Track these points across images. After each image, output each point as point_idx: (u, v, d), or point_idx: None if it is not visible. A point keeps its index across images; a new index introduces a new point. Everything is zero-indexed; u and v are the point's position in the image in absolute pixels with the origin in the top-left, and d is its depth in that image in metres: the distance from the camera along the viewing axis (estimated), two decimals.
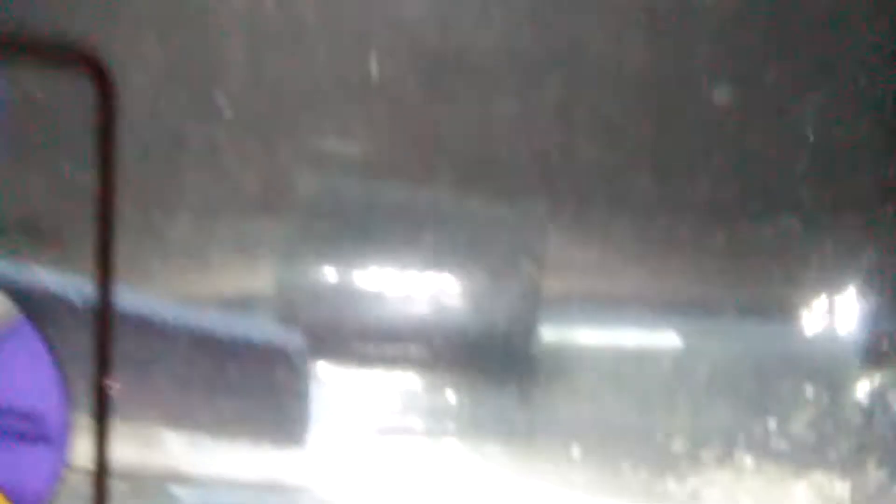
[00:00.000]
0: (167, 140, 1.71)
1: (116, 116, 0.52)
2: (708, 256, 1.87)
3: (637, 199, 1.88)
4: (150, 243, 1.62)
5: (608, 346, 1.85)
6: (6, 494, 0.56)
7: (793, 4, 1.57)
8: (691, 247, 1.86)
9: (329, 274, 1.76)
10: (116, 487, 1.16)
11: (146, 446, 1.25)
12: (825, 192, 1.79)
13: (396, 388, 1.68)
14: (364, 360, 1.71)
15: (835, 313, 1.81)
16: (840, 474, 1.49)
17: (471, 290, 1.81)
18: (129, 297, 1.26)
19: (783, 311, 1.83)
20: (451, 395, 1.67)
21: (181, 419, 1.27)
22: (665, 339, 1.87)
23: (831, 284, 1.81)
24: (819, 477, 1.48)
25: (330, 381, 1.64)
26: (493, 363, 1.74)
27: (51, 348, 0.58)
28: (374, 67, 1.81)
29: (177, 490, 1.28)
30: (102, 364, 0.57)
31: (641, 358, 1.81)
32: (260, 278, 1.75)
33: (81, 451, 0.57)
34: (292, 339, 1.40)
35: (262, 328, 1.43)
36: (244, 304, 1.68)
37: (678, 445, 1.53)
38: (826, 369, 1.73)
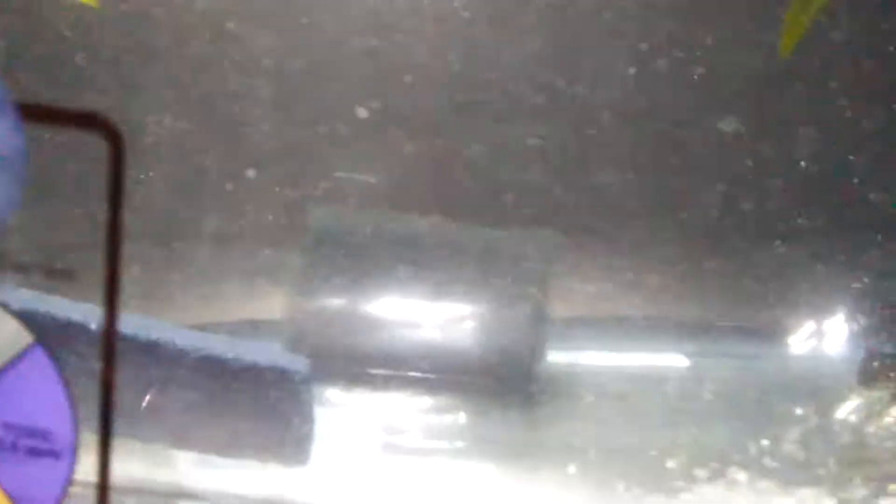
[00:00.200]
0: (185, 176, 1.79)
1: (125, 172, 0.58)
2: (706, 281, 1.92)
3: (639, 227, 1.93)
4: (167, 272, 1.70)
5: (610, 368, 1.90)
6: None
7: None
8: (690, 272, 1.91)
9: (338, 301, 1.82)
10: (126, 503, 1.22)
11: (155, 464, 1.32)
12: (818, 220, 1.84)
13: (403, 410, 1.73)
14: (372, 383, 1.76)
15: (827, 335, 1.86)
16: (828, 490, 1.53)
17: (478, 315, 1.86)
18: (143, 323, 1.33)
19: (778, 333, 1.88)
20: (455, 417, 1.73)
21: (190, 438, 1.34)
22: (665, 360, 1.91)
23: (824, 307, 1.86)
24: (806, 492, 1.52)
25: (338, 404, 1.69)
26: (498, 386, 1.79)
27: (60, 371, 0.62)
28: (383, 105, 1.87)
29: None
30: (107, 386, 0.63)
31: (642, 379, 1.86)
32: (270, 305, 1.81)
33: (87, 466, 0.62)
34: (297, 363, 1.46)
35: (269, 352, 1.49)
36: (254, 329, 1.75)
37: (673, 463, 1.57)
38: (818, 389, 1.78)
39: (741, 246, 1.90)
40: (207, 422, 1.33)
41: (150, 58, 1.75)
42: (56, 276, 0.63)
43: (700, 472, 1.55)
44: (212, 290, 1.79)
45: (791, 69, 1.78)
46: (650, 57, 1.88)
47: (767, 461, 1.59)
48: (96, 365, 0.61)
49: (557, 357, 1.89)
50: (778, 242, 1.84)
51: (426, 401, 1.75)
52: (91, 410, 0.61)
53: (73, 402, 0.62)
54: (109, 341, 0.64)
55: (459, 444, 1.65)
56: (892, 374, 1.77)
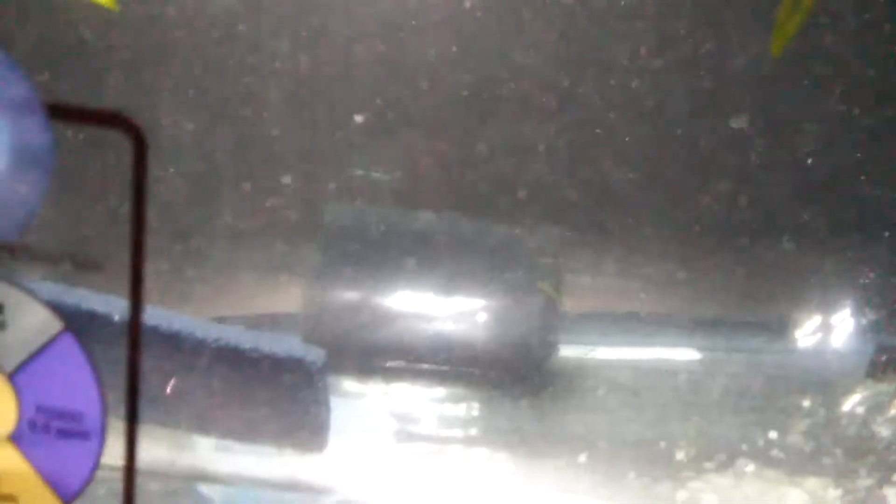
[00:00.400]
0: (204, 172, 1.81)
1: (148, 169, 0.61)
2: (715, 277, 1.93)
3: (649, 223, 1.95)
4: (188, 266, 1.72)
5: (621, 361, 1.92)
6: (48, 482, 0.65)
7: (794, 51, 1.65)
8: (699, 268, 1.92)
9: (352, 294, 1.84)
10: (149, 486, 1.25)
11: (178, 449, 1.35)
12: (826, 216, 1.86)
13: (416, 400, 1.76)
14: (386, 374, 1.79)
15: (834, 330, 1.88)
16: (835, 480, 1.55)
17: (490, 309, 1.88)
18: (166, 315, 1.36)
19: (786, 328, 1.90)
20: (468, 408, 1.75)
21: (210, 425, 1.37)
22: (675, 354, 1.93)
23: (831, 302, 1.88)
24: (814, 483, 1.54)
25: (353, 394, 1.72)
26: (509, 378, 1.81)
27: (89, 357, 0.65)
28: (398, 103, 1.89)
29: (206, 489, 1.38)
30: (133, 372, 0.65)
31: (652, 372, 1.88)
32: (286, 299, 1.83)
33: (113, 451, 0.63)
34: (314, 353, 1.49)
35: (286, 343, 1.51)
36: (271, 322, 1.77)
37: (682, 454, 1.59)
38: (825, 382, 1.80)
39: (750, 241, 1.92)
40: (227, 409, 1.36)
41: (168, 59, 1.78)
42: (83, 267, 0.66)
43: (709, 463, 1.57)
44: (229, 283, 1.81)
45: (797, 66, 1.79)
46: (659, 55, 1.90)
47: (775, 452, 1.61)
48: (120, 354, 0.64)
49: (569, 351, 1.91)
50: (786, 238, 1.86)
51: (439, 392, 1.77)
52: (114, 398, 0.63)
53: (101, 386, 0.64)
54: (135, 331, 0.66)
55: (471, 433, 1.67)
56: None
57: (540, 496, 1.50)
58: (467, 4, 1.87)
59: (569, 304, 1.93)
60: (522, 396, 1.79)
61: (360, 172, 1.89)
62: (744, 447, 1.61)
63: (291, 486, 1.38)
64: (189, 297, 1.70)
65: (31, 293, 0.64)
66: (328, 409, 1.44)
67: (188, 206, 1.77)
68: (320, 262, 1.84)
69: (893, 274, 1.86)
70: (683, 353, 1.93)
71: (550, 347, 1.88)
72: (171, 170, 1.70)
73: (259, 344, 1.42)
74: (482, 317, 1.87)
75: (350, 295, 1.84)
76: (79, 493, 0.66)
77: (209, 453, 1.38)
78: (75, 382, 0.67)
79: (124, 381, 0.68)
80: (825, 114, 1.86)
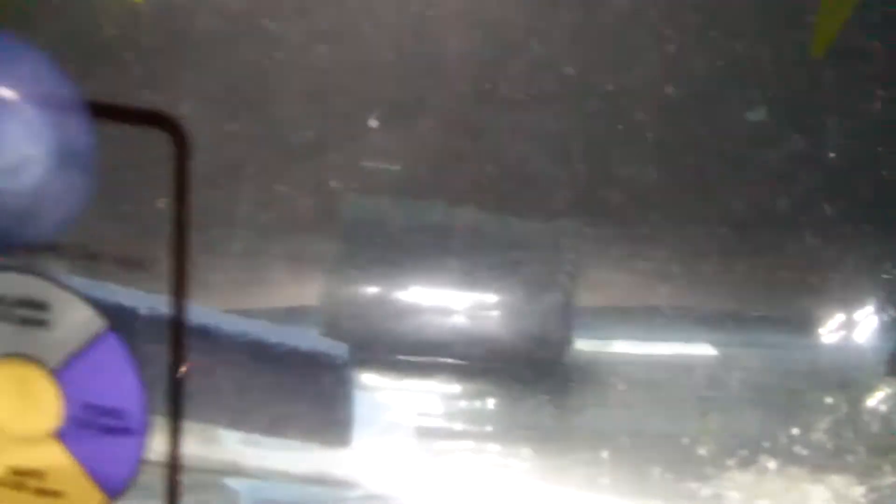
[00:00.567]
0: (225, 167, 1.81)
1: (189, 168, 0.60)
2: (735, 271, 1.93)
3: (668, 217, 1.95)
4: (210, 261, 1.72)
5: (640, 356, 1.91)
6: (93, 478, 0.64)
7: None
8: (719, 262, 1.92)
9: (371, 289, 1.84)
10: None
11: (206, 443, 1.35)
12: (848, 211, 1.85)
13: (435, 394, 1.76)
14: (405, 368, 1.79)
15: (857, 326, 1.88)
16: (858, 477, 1.55)
17: (509, 303, 1.88)
18: (193, 310, 1.35)
19: (807, 323, 1.90)
20: (486, 402, 1.75)
21: (237, 419, 1.36)
22: (694, 350, 1.93)
23: (853, 298, 1.88)
24: (836, 479, 1.54)
25: (372, 388, 1.72)
26: (527, 372, 1.81)
27: (132, 355, 0.64)
28: (414, 96, 1.89)
29: (233, 483, 1.38)
30: (176, 370, 0.65)
31: (671, 367, 1.88)
32: (306, 292, 1.83)
33: (155, 447, 0.63)
34: (338, 348, 1.49)
35: (310, 338, 1.51)
36: (291, 316, 1.77)
37: (704, 450, 1.59)
38: (847, 378, 1.80)
39: (770, 236, 1.91)
40: (254, 404, 1.36)
41: (188, 53, 1.78)
42: (125, 265, 0.65)
43: (731, 460, 1.57)
44: (249, 277, 1.81)
45: (820, 60, 1.79)
46: (678, 47, 1.89)
47: (797, 449, 1.60)
48: (156, 351, 0.63)
49: (587, 345, 1.91)
50: (807, 232, 1.86)
51: (457, 386, 1.77)
52: (153, 394, 0.63)
53: (143, 384, 0.64)
54: (178, 329, 0.66)
55: (490, 427, 1.67)
56: None
57: (563, 492, 1.49)
58: None
59: (586, 299, 1.93)
60: (542, 391, 1.78)
61: (379, 166, 1.89)
62: (766, 444, 1.61)
63: (317, 481, 1.38)
64: (207, 290, 1.70)
65: (75, 292, 0.64)
66: (353, 404, 1.44)
67: (208, 201, 1.76)
68: (339, 255, 1.84)
69: None
70: (702, 349, 1.92)
71: (568, 342, 1.88)
72: (192, 161, 1.69)
73: (284, 339, 1.41)
74: (499, 311, 1.87)
75: (369, 289, 1.83)
76: (124, 489, 0.66)
77: (236, 447, 1.38)
78: (118, 379, 0.67)
79: (162, 377, 0.67)
80: (848, 108, 1.85)
